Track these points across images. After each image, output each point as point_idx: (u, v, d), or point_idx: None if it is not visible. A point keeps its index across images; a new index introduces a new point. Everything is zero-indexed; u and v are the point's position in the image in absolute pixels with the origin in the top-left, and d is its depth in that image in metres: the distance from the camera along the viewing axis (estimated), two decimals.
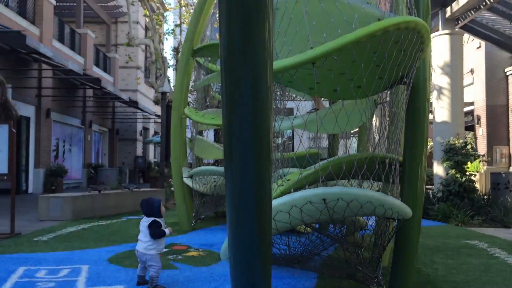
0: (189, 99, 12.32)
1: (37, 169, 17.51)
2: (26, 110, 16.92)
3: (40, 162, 17.65)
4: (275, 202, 3.24)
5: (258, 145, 2.80)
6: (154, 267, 4.30)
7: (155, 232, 4.30)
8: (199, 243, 6.95)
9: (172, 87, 17.66)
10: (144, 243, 4.34)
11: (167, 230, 4.41)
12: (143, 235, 4.37)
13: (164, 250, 6.28)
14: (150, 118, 28.86)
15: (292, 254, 4.67)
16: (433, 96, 12.09)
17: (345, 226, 5.13)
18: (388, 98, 4.35)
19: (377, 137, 4.29)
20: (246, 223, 2.92)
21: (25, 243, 6.61)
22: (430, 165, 15.71)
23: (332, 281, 4.65)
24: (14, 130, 7.24)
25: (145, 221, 4.39)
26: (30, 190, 17.09)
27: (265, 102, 2.77)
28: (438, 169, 11.79)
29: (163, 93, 15.36)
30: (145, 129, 31.02)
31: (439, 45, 11.97)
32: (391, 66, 3.52)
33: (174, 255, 5.97)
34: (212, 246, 6.68)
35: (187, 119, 9.76)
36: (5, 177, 7.30)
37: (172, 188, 10.13)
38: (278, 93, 4.52)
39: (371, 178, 3.65)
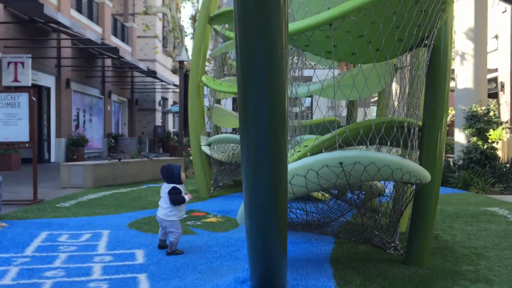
0: (207, 68, 12.27)
1: (59, 138, 17.80)
2: (47, 80, 17.09)
3: (61, 131, 17.93)
4: (291, 166, 3.22)
5: (273, 108, 2.77)
6: (174, 233, 4.36)
7: (175, 198, 4.34)
8: (217, 210, 7.03)
9: (189, 56, 17.58)
10: (164, 209, 4.39)
11: (186, 197, 4.43)
12: (164, 201, 4.42)
13: (183, 216, 6.40)
14: (168, 88, 28.93)
15: (310, 220, 4.68)
16: (456, 62, 11.79)
17: (363, 193, 5.10)
18: (408, 63, 4.24)
19: (396, 102, 4.20)
20: (261, 187, 2.92)
21: (48, 209, 6.77)
22: (452, 134, 15.48)
23: (349, 246, 4.66)
24: (34, 99, 7.32)
25: (165, 188, 4.43)
26: (52, 159, 17.42)
27: (280, 65, 2.72)
28: (459, 137, 11.59)
29: (181, 62, 15.32)
30: (164, 99, 31.13)
31: (463, 9, 11.60)
32: (411, 27, 3.41)
33: (193, 221, 6.05)
34: (230, 212, 6.74)
35: (205, 87, 9.73)
36: (27, 145, 7.42)
37: (191, 157, 10.19)
38: (295, 59, 4.45)
39: (389, 143, 3.59)
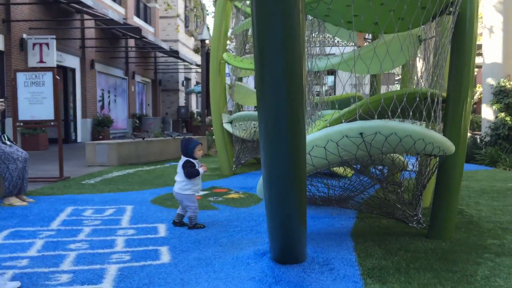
0: (228, 47, 12.18)
1: (85, 119, 18.07)
2: (72, 61, 17.28)
3: (87, 112, 18.19)
4: (310, 137, 3.18)
5: (290, 77, 2.72)
6: (190, 207, 4.38)
7: (188, 171, 4.32)
8: (239, 187, 7.05)
9: (211, 34, 17.50)
10: (179, 183, 4.40)
11: (201, 169, 4.41)
12: (179, 176, 4.43)
13: (205, 192, 6.45)
14: (191, 69, 28.95)
15: (331, 195, 4.64)
16: (484, 37, 11.42)
17: (386, 168, 5.03)
18: (432, 33, 4.11)
19: (419, 73, 4.09)
20: (279, 158, 2.89)
21: (73, 186, 6.90)
22: (478, 112, 15.09)
23: (371, 221, 4.62)
24: (58, 78, 7.40)
25: (181, 162, 4.44)
26: (79, 139, 17.73)
27: (296, 34, 2.65)
28: (487, 113, 11.29)
29: (202, 41, 15.27)
30: (187, 79, 31.20)
31: None
32: None
33: (214, 197, 6.09)
34: (251, 189, 6.75)
35: (226, 65, 9.68)
36: (52, 123, 7.55)
37: (214, 136, 10.23)
38: (315, 34, 4.37)
39: (412, 115, 3.50)
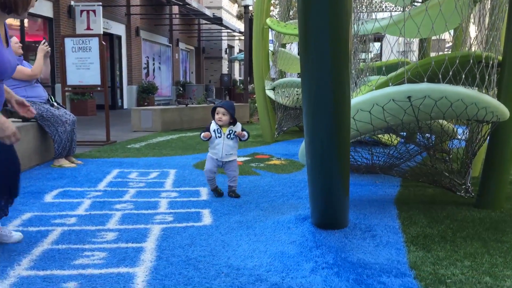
0: (272, 13, 11.97)
1: (130, 86, 18.41)
2: (117, 28, 17.52)
3: (132, 79, 18.51)
4: (355, 100, 3.08)
5: (335, 39, 2.62)
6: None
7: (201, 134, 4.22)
8: (281, 153, 7.03)
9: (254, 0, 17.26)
10: None
11: (202, 134, 4.14)
12: None
13: (247, 158, 6.47)
14: (234, 36, 28.78)
15: (376, 162, 4.53)
16: None
17: (433, 137, 4.86)
18: None
19: (473, 36, 3.85)
20: (322, 122, 2.82)
21: (119, 150, 7.08)
22: None
23: (416, 189, 4.50)
24: (104, 43, 7.50)
25: None
26: (125, 106, 18.12)
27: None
28: None
29: (246, 7, 15.06)
30: (230, 47, 31.09)
31: None
32: None
33: (256, 163, 6.09)
34: (293, 156, 6.72)
35: (270, 31, 9.52)
36: (99, 88, 7.70)
37: (256, 104, 10.19)
38: None
39: (465, 80, 3.32)
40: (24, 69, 5.46)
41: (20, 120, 5.60)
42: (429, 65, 3.28)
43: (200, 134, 4.19)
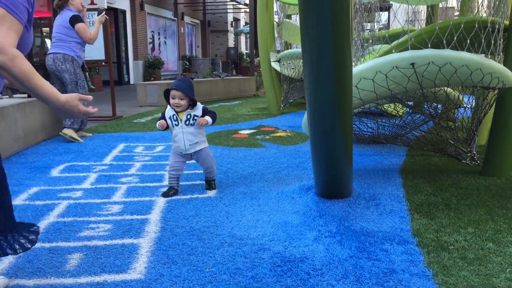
0: None
1: (136, 61, 18.33)
2: (122, 3, 17.33)
3: (138, 54, 18.41)
4: (357, 68, 3.03)
5: (336, 9, 2.55)
6: None
7: None
8: (287, 125, 7.01)
9: None
10: None
11: (158, 124, 3.45)
12: None
13: (253, 131, 6.46)
14: (240, 9, 28.39)
15: (381, 133, 4.51)
16: None
17: (440, 106, 4.80)
18: None
19: (479, 0, 3.76)
20: (324, 90, 2.78)
21: (125, 124, 7.09)
22: None
23: (421, 158, 4.48)
24: (107, 17, 7.44)
25: None
26: (131, 81, 18.09)
27: None
28: None
29: None
30: (236, 20, 30.71)
31: None
32: None
33: (262, 135, 6.08)
34: (299, 128, 6.69)
35: (275, 2, 9.38)
36: (104, 63, 7.67)
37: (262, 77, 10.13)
38: None
39: (470, 45, 3.25)
40: (87, 30, 5.75)
41: (26, 95, 5.61)
42: (433, 32, 3.21)
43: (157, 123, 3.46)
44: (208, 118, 3.39)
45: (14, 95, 5.65)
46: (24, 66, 1.66)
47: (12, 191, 3.49)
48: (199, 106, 3.40)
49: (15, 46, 1.66)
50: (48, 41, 14.10)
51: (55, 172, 4.14)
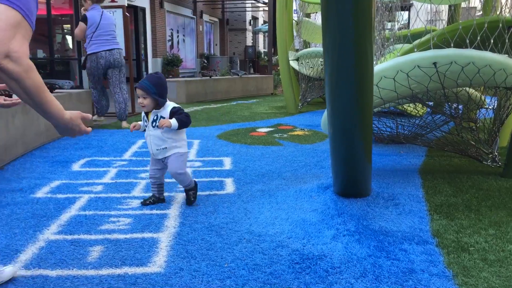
0: None
1: (155, 58, 18.45)
2: (141, 1, 17.46)
3: (157, 52, 18.53)
4: (378, 67, 3.02)
5: (358, 7, 2.55)
6: None
7: None
8: (305, 124, 7.00)
9: None
10: None
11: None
12: None
13: (270, 129, 6.47)
14: (258, 7, 28.38)
15: (400, 132, 4.48)
16: None
17: (461, 107, 4.75)
18: None
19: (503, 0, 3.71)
20: (344, 89, 2.78)
21: None
22: None
23: (441, 159, 4.43)
24: (128, 14, 7.51)
25: None
26: None
27: None
28: None
29: None
30: (254, 18, 30.72)
31: None
32: None
33: (279, 134, 6.09)
34: (317, 127, 6.68)
35: (294, 1, 9.36)
36: (127, 60, 7.73)
37: (280, 76, 10.13)
38: None
39: (493, 45, 3.21)
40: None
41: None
42: (456, 31, 3.18)
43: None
44: (172, 121, 2.92)
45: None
46: (37, 79, 1.53)
47: (35, 184, 3.57)
48: (168, 105, 3.00)
49: (28, 55, 1.54)
50: (69, 38, 14.28)
51: (76, 167, 4.21)
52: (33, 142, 4.84)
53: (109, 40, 6.21)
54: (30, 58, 1.56)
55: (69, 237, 2.56)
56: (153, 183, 3.18)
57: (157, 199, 3.18)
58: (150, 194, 3.23)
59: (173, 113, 2.96)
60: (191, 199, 3.14)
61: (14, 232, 2.62)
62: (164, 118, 2.96)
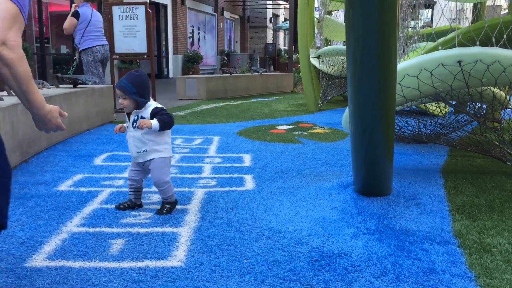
0: None
1: (176, 55, 18.58)
2: None
3: (178, 48, 18.66)
4: (402, 65, 2.99)
5: (382, 5, 2.53)
6: None
7: None
8: (325, 122, 6.97)
9: None
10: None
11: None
12: None
13: (290, 126, 6.47)
14: (279, 4, 28.33)
15: (422, 132, 4.43)
16: None
17: (485, 106, 4.67)
18: None
19: None
20: (367, 87, 2.76)
21: None
22: None
23: (464, 159, 4.37)
24: (150, 11, 7.57)
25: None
26: (170, 75, 18.37)
27: None
28: None
29: None
30: (275, 15, 30.69)
31: None
32: None
33: (299, 131, 6.08)
34: (337, 125, 6.65)
35: None
36: (145, 56, 7.82)
37: (301, 74, 10.11)
38: None
39: None
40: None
41: (72, 86, 5.79)
42: (482, 29, 3.13)
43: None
44: (153, 122, 2.74)
45: (60, 85, 5.84)
46: (27, 68, 1.71)
47: (58, 178, 3.64)
48: (150, 105, 2.81)
49: (21, 45, 1.70)
50: None
51: (98, 161, 4.27)
52: (56, 136, 4.92)
53: (99, 36, 6.47)
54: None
55: (91, 229, 2.60)
56: (131, 186, 2.94)
57: (133, 204, 2.96)
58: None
59: (155, 113, 2.77)
60: (163, 211, 2.88)
61: (38, 223, 2.67)
62: (144, 118, 2.79)
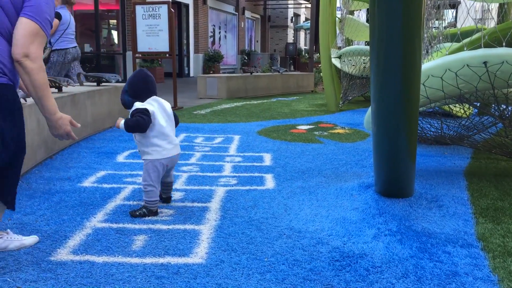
0: None
1: (197, 54, 18.69)
2: None
3: (199, 47, 18.76)
4: (426, 66, 2.95)
5: (408, 4, 2.51)
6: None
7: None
8: (345, 122, 6.93)
9: None
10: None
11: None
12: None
13: (311, 126, 6.45)
14: (300, 4, 28.27)
15: (445, 133, 4.37)
16: None
17: (510, 108, 4.59)
18: None
19: None
20: (391, 87, 2.74)
21: (186, 115, 7.28)
22: None
23: (488, 162, 4.30)
24: (173, 10, 7.64)
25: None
26: (191, 74, 18.48)
27: None
28: None
29: None
30: (296, 15, 30.61)
31: None
32: None
33: (320, 131, 6.06)
34: (358, 125, 6.61)
35: None
36: (167, 55, 7.89)
37: (321, 74, 10.06)
38: None
39: None
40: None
41: (95, 84, 5.88)
42: (508, 30, 3.08)
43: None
44: (121, 122, 2.73)
45: (84, 83, 5.94)
46: (45, 77, 2.03)
47: (81, 174, 3.70)
48: (135, 106, 2.75)
49: (42, 57, 2.04)
50: (115, 33, 14.65)
51: (120, 158, 4.33)
52: (80, 133, 5.00)
53: (73, 38, 6.60)
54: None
55: (114, 225, 2.64)
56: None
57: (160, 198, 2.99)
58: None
59: (132, 114, 2.72)
60: (136, 212, 2.79)
61: (63, 218, 2.73)
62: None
